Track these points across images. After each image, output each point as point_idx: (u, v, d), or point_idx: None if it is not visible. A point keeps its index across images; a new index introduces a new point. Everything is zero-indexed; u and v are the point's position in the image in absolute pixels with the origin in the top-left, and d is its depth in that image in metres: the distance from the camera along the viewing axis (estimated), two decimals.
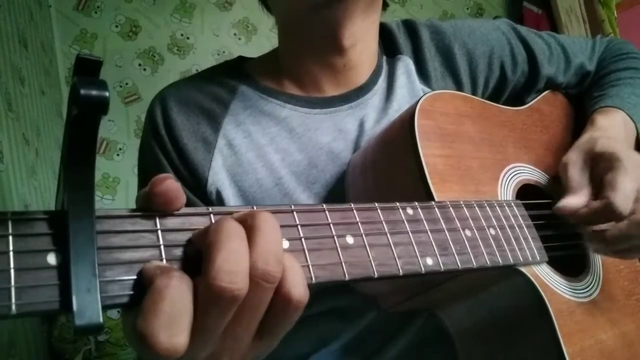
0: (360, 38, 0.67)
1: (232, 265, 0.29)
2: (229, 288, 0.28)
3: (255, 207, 0.35)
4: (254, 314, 0.32)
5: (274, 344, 0.35)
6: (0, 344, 1.01)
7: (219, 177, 0.62)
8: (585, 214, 0.56)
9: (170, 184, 0.31)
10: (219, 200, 0.62)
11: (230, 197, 0.62)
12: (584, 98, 0.79)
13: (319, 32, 0.65)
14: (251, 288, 0.30)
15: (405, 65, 0.72)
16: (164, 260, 0.30)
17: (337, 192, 0.62)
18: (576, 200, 0.58)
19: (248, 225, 0.31)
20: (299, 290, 0.32)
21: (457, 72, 0.73)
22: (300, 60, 0.68)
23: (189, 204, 0.61)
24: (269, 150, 0.64)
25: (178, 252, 0.31)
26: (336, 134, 0.66)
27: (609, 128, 0.67)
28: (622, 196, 0.54)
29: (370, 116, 0.67)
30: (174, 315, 0.28)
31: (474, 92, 0.74)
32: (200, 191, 0.63)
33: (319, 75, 0.68)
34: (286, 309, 0.32)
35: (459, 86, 0.73)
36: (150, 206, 0.31)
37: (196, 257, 0.31)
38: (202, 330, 0.30)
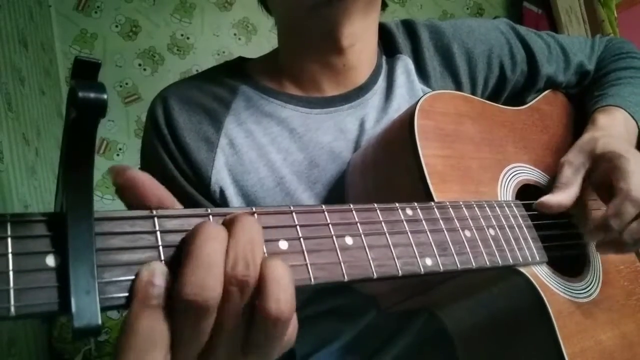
0: (360, 38, 0.67)
1: (199, 276, 0.28)
2: (194, 300, 0.28)
3: (254, 209, 0.35)
4: (233, 326, 0.31)
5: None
6: (0, 343, 1.01)
7: (221, 175, 0.62)
8: (605, 220, 0.55)
9: (130, 175, 0.31)
10: (223, 199, 0.62)
11: (233, 197, 0.62)
12: (584, 97, 0.79)
13: (318, 32, 0.65)
14: (223, 296, 0.29)
15: (405, 65, 0.72)
16: (163, 262, 0.30)
17: (338, 192, 0.62)
18: (558, 197, 0.58)
19: (228, 228, 0.31)
20: (276, 305, 0.30)
21: (456, 71, 0.73)
22: (300, 60, 0.68)
23: (194, 202, 0.62)
24: (270, 150, 0.64)
25: (174, 252, 0.31)
26: (337, 133, 0.66)
27: (610, 127, 0.67)
28: (637, 184, 0.54)
29: (371, 116, 0.67)
30: (143, 348, 0.28)
31: (473, 92, 0.73)
32: (204, 190, 0.63)
33: (319, 75, 0.68)
34: (265, 325, 0.31)
35: (458, 86, 0.73)
36: (129, 203, 0.31)
37: None
38: (180, 345, 0.29)
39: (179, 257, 0.30)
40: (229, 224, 0.32)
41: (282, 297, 0.30)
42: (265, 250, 0.33)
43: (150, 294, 0.28)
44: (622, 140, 0.65)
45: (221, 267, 0.29)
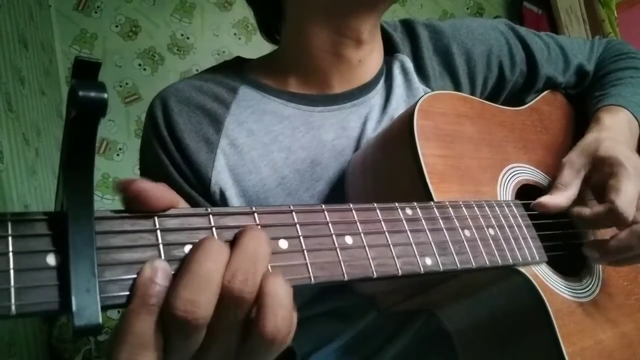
0: (374, 34, 0.68)
1: (193, 293, 0.28)
2: (183, 317, 0.28)
3: (254, 208, 0.35)
4: (225, 338, 0.31)
5: None
6: (0, 343, 1.01)
7: (222, 176, 0.62)
8: (589, 217, 0.57)
9: (138, 186, 0.31)
10: (223, 201, 0.62)
11: (234, 197, 0.62)
12: (584, 97, 0.79)
13: (353, 25, 0.65)
14: (221, 310, 0.30)
15: (402, 64, 0.72)
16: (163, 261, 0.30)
17: (340, 190, 0.62)
18: (556, 199, 0.58)
19: (235, 240, 0.31)
20: (274, 324, 0.30)
21: (455, 71, 0.73)
22: (316, 55, 0.67)
23: (193, 203, 0.62)
24: (272, 148, 0.64)
25: (177, 252, 0.31)
26: (340, 131, 0.66)
27: (614, 127, 0.66)
28: (626, 201, 0.55)
29: (373, 114, 0.67)
30: (136, 346, 0.28)
31: (472, 92, 0.74)
32: (204, 191, 0.63)
33: (332, 71, 0.68)
34: (261, 341, 0.31)
35: (457, 86, 0.73)
36: (136, 208, 0.31)
37: None
38: (172, 351, 0.30)
39: (180, 257, 0.31)
40: (239, 235, 0.32)
41: (279, 315, 0.30)
42: (269, 267, 0.33)
43: (150, 292, 0.28)
44: (625, 143, 0.65)
45: (217, 287, 0.29)
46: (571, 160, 0.61)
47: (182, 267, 0.30)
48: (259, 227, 0.34)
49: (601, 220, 0.56)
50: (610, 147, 0.60)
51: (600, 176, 0.59)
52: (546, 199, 0.57)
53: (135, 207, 0.31)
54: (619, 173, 0.57)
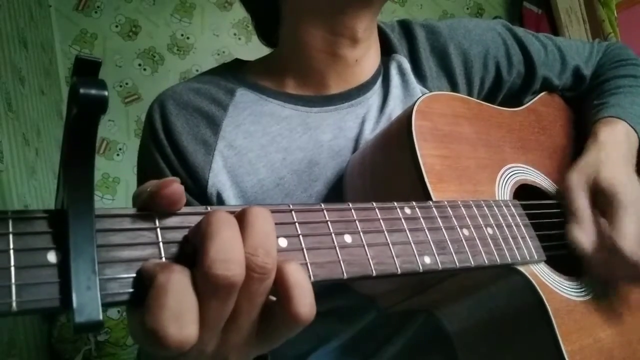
0: (370, 33, 0.68)
1: (224, 253, 0.29)
2: (223, 275, 0.29)
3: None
4: (252, 304, 0.32)
5: (276, 345, 0.36)
6: (0, 343, 1.01)
7: (219, 178, 0.63)
8: (595, 255, 0.56)
9: (177, 188, 0.32)
10: (220, 203, 0.62)
11: (232, 199, 0.62)
12: (583, 103, 0.79)
13: (348, 23, 0.65)
14: (247, 281, 0.30)
15: (399, 64, 0.72)
16: (163, 259, 0.31)
17: (338, 190, 0.62)
18: (585, 233, 0.58)
19: (241, 219, 0.32)
20: (305, 310, 0.32)
21: (452, 72, 0.73)
22: (312, 55, 0.68)
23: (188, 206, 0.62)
24: (270, 150, 0.64)
25: (177, 250, 0.31)
26: (337, 132, 0.66)
27: (610, 142, 0.66)
28: (629, 241, 0.55)
29: (371, 115, 0.67)
30: (180, 307, 0.28)
31: (469, 93, 0.74)
32: (200, 194, 0.63)
33: (328, 71, 0.68)
34: (292, 326, 0.32)
35: (454, 86, 0.73)
36: (152, 206, 0.32)
37: (193, 254, 0.31)
38: (205, 322, 0.30)
39: (179, 254, 0.31)
40: (243, 214, 0.32)
41: (308, 301, 0.32)
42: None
43: (168, 264, 0.29)
44: (624, 163, 0.64)
45: (241, 249, 0.30)
46: (575, 183, 0.61)
47: (203, 238, 0.30)
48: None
49: (607, 258, 0.56)
50: (609, 177, 0.60)
51: (600, 204, 0.60)
52: (580, 237, 0.57)
53: (162, 206, 0.32)
54: (618, 210, 0.57)
